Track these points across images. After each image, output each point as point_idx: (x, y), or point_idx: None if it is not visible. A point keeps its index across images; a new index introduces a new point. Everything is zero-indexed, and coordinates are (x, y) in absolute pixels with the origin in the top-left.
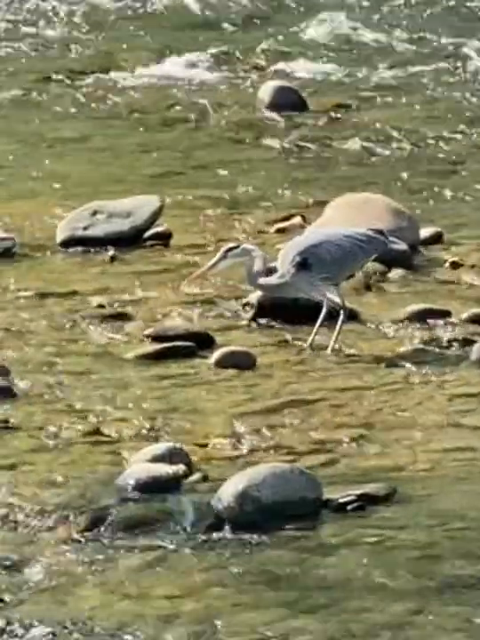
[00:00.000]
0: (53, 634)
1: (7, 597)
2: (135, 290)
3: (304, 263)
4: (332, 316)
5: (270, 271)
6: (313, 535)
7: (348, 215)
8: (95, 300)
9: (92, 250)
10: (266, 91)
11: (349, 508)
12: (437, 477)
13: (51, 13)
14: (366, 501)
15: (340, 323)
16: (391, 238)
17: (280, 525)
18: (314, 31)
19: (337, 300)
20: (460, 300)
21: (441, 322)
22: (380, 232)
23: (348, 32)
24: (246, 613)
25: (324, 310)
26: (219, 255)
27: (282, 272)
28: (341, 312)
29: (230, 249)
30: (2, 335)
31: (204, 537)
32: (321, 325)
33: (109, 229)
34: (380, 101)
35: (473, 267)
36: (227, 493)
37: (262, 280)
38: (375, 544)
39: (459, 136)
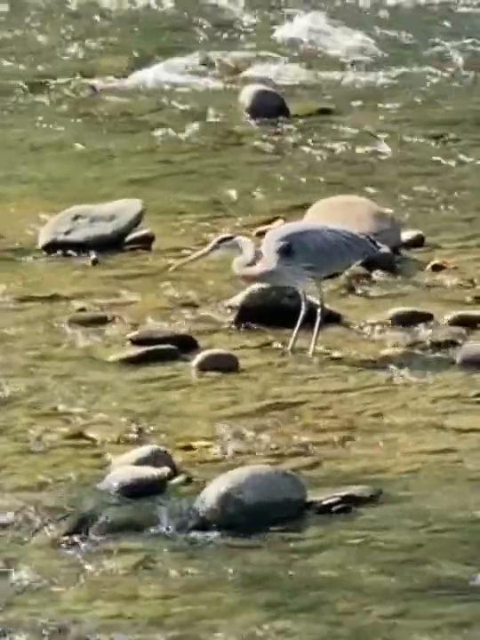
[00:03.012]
0: (38, 637)
1: None
2: (117, 293)
3: (288, 249)
4: (312, 319)
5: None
6: (297, 537)
7: (330, 218)
8: (77, 304)
9: (75, 254)
10: (247, 95)
11: (333, 509)
12: (421, 479)
13: (32, 19)
14: (350, 503)
15: (317, 323)
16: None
17: (264, 527)
18: (294, 35)
19: (316, 299)
20: (442, 302)
21: (423, 324)
22: (372, 241)
23: (329, 36)
24: (231, 615)
25: (302, 312)
26: (211, 244)
27: (265, 259)
28: (319, 312)
29: (223, 239)
30: None
31: (188, 539)
32: (302, 328)
33: (91, 233)
34: (360, 105)
35: (455, 269)
36: (210, 496)
37: (246, 269)
38: (359, 545)
39: (440, 139)
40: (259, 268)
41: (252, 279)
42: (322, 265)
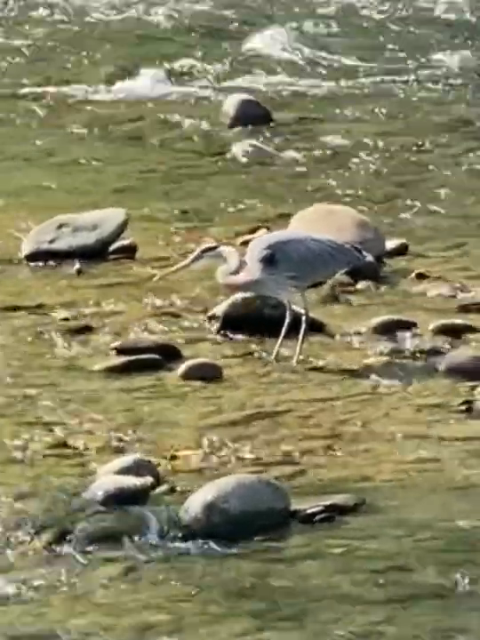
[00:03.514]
0: None
1: None
2: (101, 303)
3: (271, 258)
4: (296, 328)
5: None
6: (281, 546)
7: (314, 227)
8: (61, 314)
9: (58, 263)
10: (230, 104)
11: (317, 518)
12: (405, 488)
13: (14, 28)
14: (334, 512)
15: (302, 332)
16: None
17: (248, 536)
18: (276, 44)
19: (300, 308)
20: (425, 311)
21: (407, 333)
22: (358, 250)
23: (311, 44)
24: (215, 624)
25: (286, 320)
26: (195, 254)
27: (249, 268)
28: (303, 320)
29: (207, 249)
30: None
31: (172, 548)
32: (286, 337)
33: (75, 243)
34: (343, 113)
35: (438, 278)
36: (195, 505)
37: (229, 278)
38: (343, 554)
39: (423, 147)
40: (242, 277)
41: (235, 288)
42: (305, 274)
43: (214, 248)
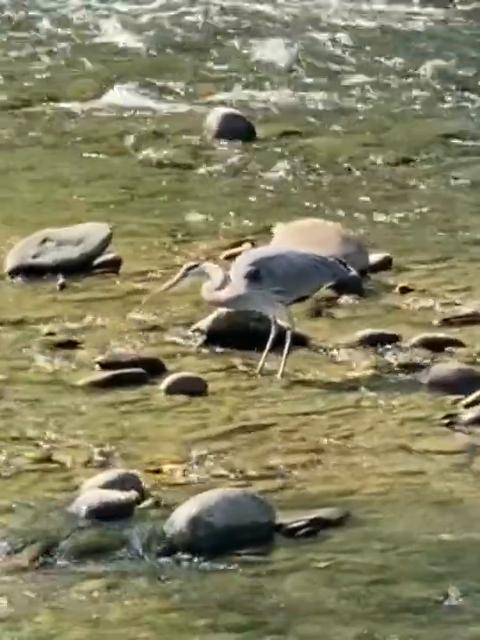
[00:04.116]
0: None
1: None
2: (85, 317)
3: (255, 275)
4: (281, 341)
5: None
6: (266, 560)
7: (297, 241)
8: (45, 328)
9: (42, 278)
10: (214, 118)
11: (302, 532)
12: (389, 501)
13: None
14: (318, 526)
15: (287, 346)
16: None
17: (233, 550)
18: (259, 58)
19: (286, 322)
20: (409, 324)
21: (391, 347)
22: (344, 264)
23: (296, 59)
24: (200, 639)
25: (271, 335)
26: (180, 273)
27: (233, 285)
28: (288, 335)
29: (191, 267)
30: None
31: (156, 563)
32: (271, 351)
33: (59, 257)
34: (326, 128)
35: (422, 292)
36: (179, 519)
37: (214, 294)
38: (327, 568)
39: (407, 161)
40: (226, 293)
41: (221, 304)
42: (290, 289)
43: (197, 266)
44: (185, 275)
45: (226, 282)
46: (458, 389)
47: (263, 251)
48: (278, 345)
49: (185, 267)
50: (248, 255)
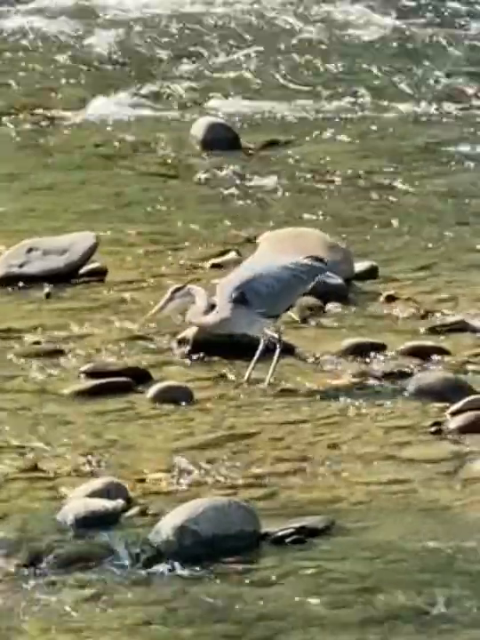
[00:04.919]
0: None
1: None
2: (71, 326)
3: (241, 298)
4: (268, 351)
5: (213, 308)
6: (252, 568)
7: (282, 250)
8: (31, 337)
9: (28, 287)
10: (198, 127)
11: (288, 540)
12: (375, 509)
13: None
14: (304, 534)
15: (276, 356)
16: (328, 273)
17: (219, 559)
18: (243, 68)
19: (274, 334)
20: (395, 333)
21: (377, 355)
22: (319, 259)
23: (278, 68)
24: None
25: (261, 345)
26: (166, 296)
27: (220, 308)
28: (277, 345)
29: (177, 290)
30: None
31: (143, 571)
32: (258, 360)
33: (45, 266)
34: (311, 137)
35: (408, 300)
36: (165, 527)
37: (201, 318)
38: (314, 576)
39: (391, 170)
40: (213, 318)
41: (207, 328)
42: (276, 306)
43: (182, 288)
44: (171, 298)
45: (209, 302)
46: (444, 397)
47: (245, 272)
48: (265, 354)
49: (171, 289)
50: (231, 280)
